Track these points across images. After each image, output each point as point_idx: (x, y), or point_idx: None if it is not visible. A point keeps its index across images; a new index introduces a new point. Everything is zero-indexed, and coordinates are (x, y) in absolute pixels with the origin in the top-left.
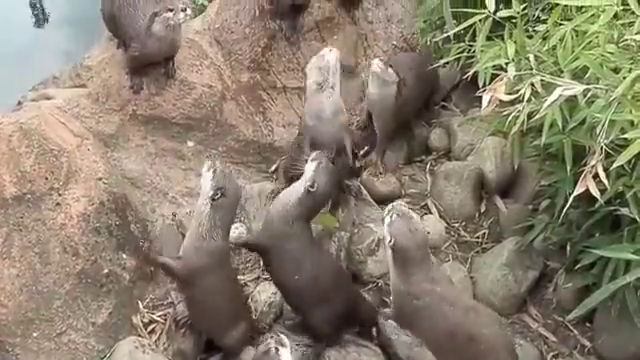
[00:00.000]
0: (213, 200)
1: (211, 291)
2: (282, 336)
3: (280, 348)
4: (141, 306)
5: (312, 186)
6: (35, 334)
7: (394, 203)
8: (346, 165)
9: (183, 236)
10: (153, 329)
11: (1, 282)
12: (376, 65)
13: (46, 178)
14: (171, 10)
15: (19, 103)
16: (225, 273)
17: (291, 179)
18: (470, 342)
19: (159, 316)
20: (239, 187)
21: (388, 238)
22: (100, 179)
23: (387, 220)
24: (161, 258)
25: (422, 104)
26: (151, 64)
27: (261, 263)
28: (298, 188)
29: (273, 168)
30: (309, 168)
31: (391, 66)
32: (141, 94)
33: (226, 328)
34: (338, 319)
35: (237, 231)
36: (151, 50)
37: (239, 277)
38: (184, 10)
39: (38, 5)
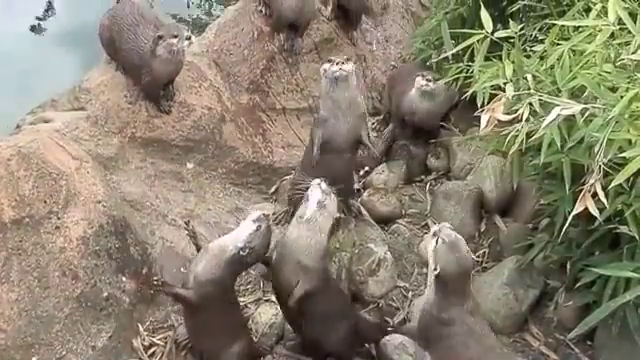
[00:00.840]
0: (239, 253)
1: (218, 314)
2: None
3: None
4: (141, 329)
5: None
6: (34, 359)
7: (440, 226)
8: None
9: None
10: (154, 352)
11: (0, 307)
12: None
13: (45, 202)
14: (176, 36)
15: (18, 127)
16: (230, 296)
17: (295, 202)
18: None
19: (159, 339)
20: (267, 248)
21: (433, 265)
22: (99, 202)
23: (432, 244)
24: (175, 289)
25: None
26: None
27: (261, 285)
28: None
29: (273, 189)
30: (332, 200)
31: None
32: (142, 116)
33: (226, 346)
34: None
35: None
36: (158, 73)
37: (240, 299)
38: (188, 38)
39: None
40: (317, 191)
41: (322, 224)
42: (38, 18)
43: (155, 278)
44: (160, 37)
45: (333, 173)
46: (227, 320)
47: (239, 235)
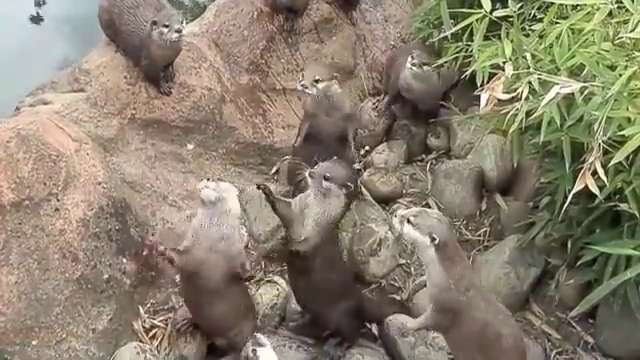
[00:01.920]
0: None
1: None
2: (259, 336)
3: (258, 349)
4: (142, 311)
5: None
6: (34, 342)
7: (397, 213)
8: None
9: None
10: (154, 334)
11: (0, 289)
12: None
13: (44, 184)
14: (166, 26)
15: (17, 108)
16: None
17: (297, 184)
18: (497, 340)
19: (160, 321)
20: None
21: (426, 239)
22: (99, 184)
23: (407, 227)
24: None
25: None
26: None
27: (263, 265)
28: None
29: (274, 170)
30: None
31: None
32: (142, 98)
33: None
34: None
35: None
36: (155, 55)
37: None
38: (178, 31)
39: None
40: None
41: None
42: (37, 3)
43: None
44: (154, 22)
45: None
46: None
47: None
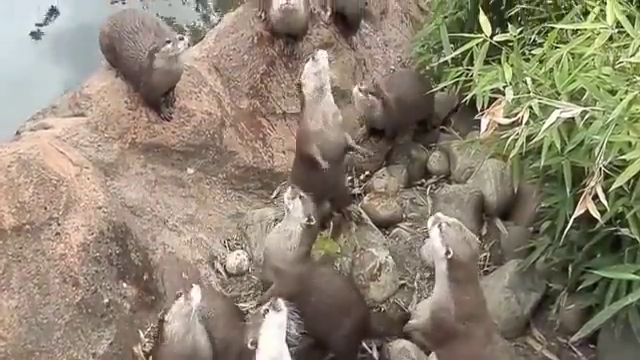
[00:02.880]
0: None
1: None
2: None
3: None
4: (142, 335)
5: (310, 220)
6: None
7: (438, 214)
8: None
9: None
10: None
11: (0, 314)
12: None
13: (45, 208)
14: (169, 42)
15: (18, 133)
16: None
17: None
18: None
19: None
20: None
21: (443, 250)
22: (100, 208)
23: (436, 231)
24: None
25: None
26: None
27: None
28: (293, 228)
29: (274, 194)
30: (296, 206)
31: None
32: (142, 122)
33: None
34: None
35: (239, 258)
36: (158, 84)
37: (240, 304)
38: (181, 39)
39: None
40: (284, 197)
41: (290, 228)
42: (38, 24)
43: None
44: (155, 50)
45: (323, 183)
46: None
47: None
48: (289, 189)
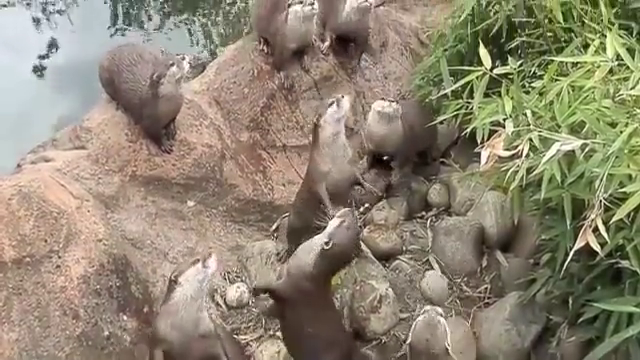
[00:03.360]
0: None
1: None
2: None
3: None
4: None
5: (327, 243)
6: None
7: (430, 308)
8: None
9: None
10: None
11: (0, 347)
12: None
13: (45, 241)
14: (172, 64)
15: (18, 166)
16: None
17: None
18: None
19: None
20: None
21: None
22: (100, 240)
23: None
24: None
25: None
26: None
27: (263, 323)
28: (316, 243)
29: (274, 227)
30: (332, 224)
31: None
32: (142, 155)
33: None
34: None
35: (239, 290)
36: (163, 111)
37: (241, 337)
38: (183, 58)
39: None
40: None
41: (314, 243)
42: (40, 57)
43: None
44: (159, 77)
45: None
46: None
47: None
48: (344, 210)
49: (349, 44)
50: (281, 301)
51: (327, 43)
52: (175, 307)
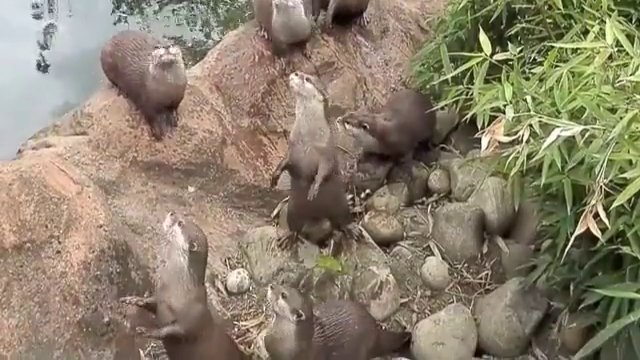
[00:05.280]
0: (190, 252)
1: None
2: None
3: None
4: (142, 354)
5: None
6: None
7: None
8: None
9: None
10: None
11: (0, 332)
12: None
13: (46, 226)
14: (157, 47)
15: (19, 151)
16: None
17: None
18: None
19: None
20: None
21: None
22: (101, 226)
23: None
24: (161, 331)
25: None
26: (167, 108)
27: (264, 309)
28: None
29: (275, 212)
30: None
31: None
32: (143, 141)
33: None
34: None
35: (239, 276)
36: (152, 90)
37: (241, 323)
38: (167, 47)
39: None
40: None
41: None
42: (40, 43)
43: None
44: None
45: (317, 201)
46: None
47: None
48: (269, 290)
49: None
50: None
51: (331, 12)
52: None
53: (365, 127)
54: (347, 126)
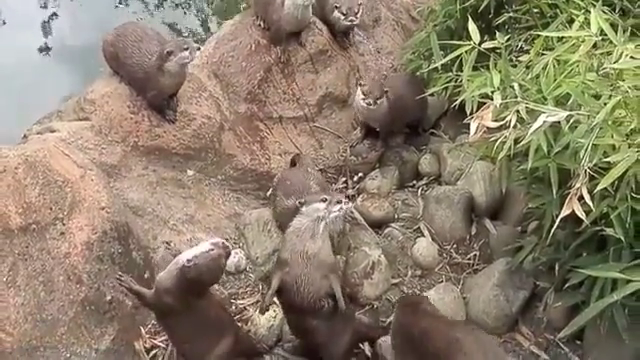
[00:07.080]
0: (185, 266)
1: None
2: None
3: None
4: (143, 332)
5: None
6: None
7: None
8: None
9: None
10: (155, 354)
11: (6, 311)
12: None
13: (51, 208)
14: (186, 49)
15: (25, 136)
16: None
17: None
18: None
19: (161, 341)
20: (216, 270)
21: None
22: (103, 208)
23: None
24: (134, 287)
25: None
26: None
27: (261, 288)
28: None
29: (269, 193)
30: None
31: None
32: (144, 126)
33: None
34: None
35: (237, 257)
36: (165, 84)
37: (239, 302)
38: (198, 49)
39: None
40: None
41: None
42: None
43: (118, 274)
44: (170, 52)
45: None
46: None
47: (192, 250)
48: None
49: None
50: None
51: None
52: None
53: (387, 92)
54: (378, 101)
